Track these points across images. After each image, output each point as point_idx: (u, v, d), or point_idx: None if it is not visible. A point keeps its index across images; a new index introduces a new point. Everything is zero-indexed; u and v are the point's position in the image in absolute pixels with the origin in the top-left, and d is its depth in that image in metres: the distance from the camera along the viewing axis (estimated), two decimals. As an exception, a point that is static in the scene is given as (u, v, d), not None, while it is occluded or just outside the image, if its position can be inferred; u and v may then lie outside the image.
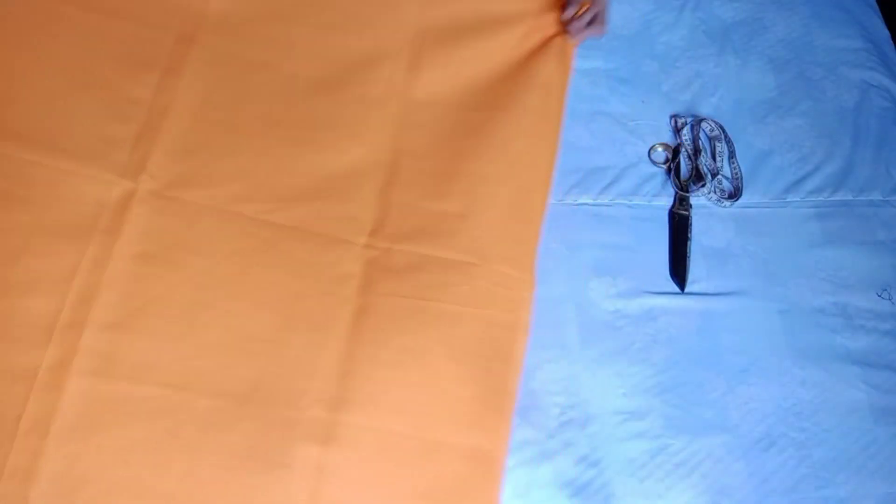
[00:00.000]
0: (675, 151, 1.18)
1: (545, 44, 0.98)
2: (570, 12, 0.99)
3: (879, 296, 1.08)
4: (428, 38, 0.96)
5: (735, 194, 1.15)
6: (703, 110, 1.22)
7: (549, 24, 0.99)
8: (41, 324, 0.74)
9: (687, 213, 1.12)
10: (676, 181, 1.15)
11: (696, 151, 1.18)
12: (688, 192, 1.14)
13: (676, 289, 1.06)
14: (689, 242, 1.10)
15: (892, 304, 1.07)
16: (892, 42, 1.34)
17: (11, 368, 0.72)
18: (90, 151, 0.82)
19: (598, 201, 1.12)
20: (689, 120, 1.20)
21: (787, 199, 1.15)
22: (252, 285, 0.81)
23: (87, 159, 0.81)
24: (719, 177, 1.15)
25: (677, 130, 1.19)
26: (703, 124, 1.20)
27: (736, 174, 1.16)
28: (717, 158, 1.17)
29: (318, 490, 0.75)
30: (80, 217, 0.79)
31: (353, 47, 0.94)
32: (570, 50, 0.99)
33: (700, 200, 1.14)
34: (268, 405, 0.77)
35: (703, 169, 1.16)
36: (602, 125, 1.19)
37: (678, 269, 1.07)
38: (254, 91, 0.90)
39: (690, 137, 1.19)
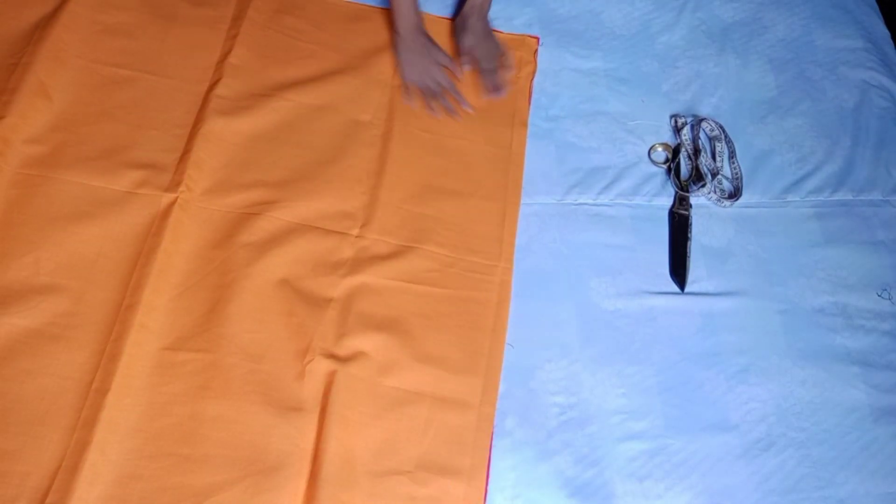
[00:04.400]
0: (675, 151, 1.18)
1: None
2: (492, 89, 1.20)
3: (879, 296, 1.08)
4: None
5: (735, 194, 1.15)
6: (703, 110, 1.23)
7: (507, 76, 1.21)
8: (111, 309, 0.94)
9: (687, 212, 1.12)
10: (676, 181, 1.15)
11: (696, 151, 1.18)
12: (688, 191, 1.14)
13: (676, 289, 1.06)
14: (689, 242, 1.10)
15: (892, 304, 1.07)
16: (892, 42, 1.34)
17: (91, 344, 0.92)
18: (145, 177, 1.03)
19: (598, 201, 1.13)
20: (689, 120, 1.20)
21: (787, 199, 1.15)
22: (263, 269, 0.99)
23: (143, 183, 1.03)
24: (719, 177, 1.15)
25: (677, 130, 1.20)
26: (703, 124, 1.20)
27: (736, 174, 1.16)
28: (717, 158, 1.17)
29: (322, 426, 0.90)
30: (138, 226, 1.00)
31: (347, 82, 1.17)
32: (528, 92, 1.20)
33: (700, 200, 1.14)
34: (278, 362, 0.94)
35: (703, 169, 1.16)
36: (602, 125, 1.19)
37: (678, 268, 1.07)
38: (265, 117, 1.11)
39: (690, 137, 1.19)
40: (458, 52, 1.21)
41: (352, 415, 0.91)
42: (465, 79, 1.20)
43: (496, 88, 1.18)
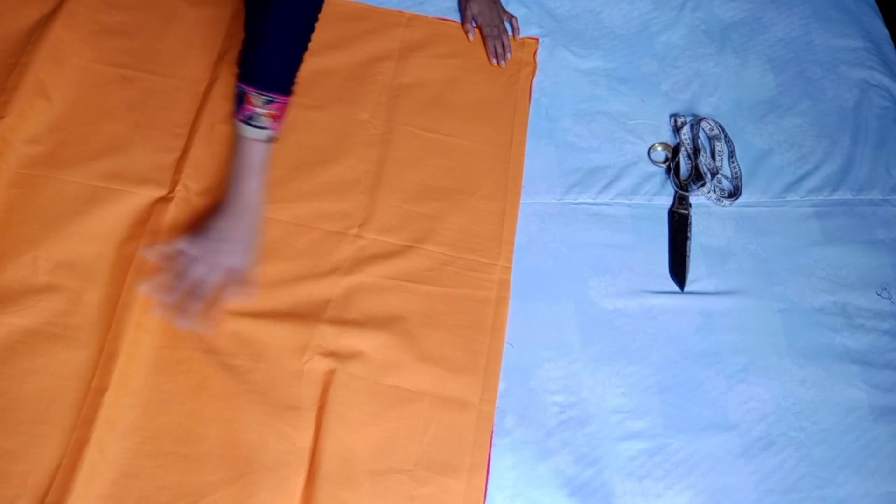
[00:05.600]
0: (675, 151, 1.18)
1: (506, 84, 1.21)
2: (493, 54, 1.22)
3: (879, 295, 1.08)
4: (408, 64, 1.20)
5: (735, 193, 1.15)
6: (703, 110, 1.23)
7: (507, 76, 1.22)
8: (109, 308, 0.94)
9: (687, 212, 1.12)
10: (676, 180, 1.15)
11: (696, 151, 1.18)
12: (687, 191, 1.14)
13: (676, 288, 1.06)
14: (688, 242, 1.10)
15: (892, 303, 1.07)
16: (892, 42, 1.34)
17: (90, 343, 0.91)
18: (144, 177, 1.04)
19: (598, 201, 1.13)
20: (688, 119, 1.20)
21: (787, 199, 1.15)
22: (261, 271, 0.98)
23: (142, 182, 1.03)
24: (719, 176, 1.15)
25: (677, 130, 1.20)
26: (703, 124, 1.20)
27: (736, 173, 1.16)
28: (717, 158, 1.17)
29: (320, 424, 0.90)
30: (137, 226, 1.00)
31: (346, 81, 1.17)
32: (528, 91, 1.21)
33: (700, 200, 1.14)
34: (276, 361, 0.94)
35: (703, 168, 1.16)
36: (602, 125, 1.19)
37: (678, 268, 1.07)
38: None
39: (690, 137, 1.19)
40: (463, 18, 1.24)
41: (351, 413, 0.91)
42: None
43: (497, 56, 1.22)
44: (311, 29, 0.94)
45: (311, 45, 1.19)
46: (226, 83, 1.12)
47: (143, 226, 0.99)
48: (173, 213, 1.00)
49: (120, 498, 0.84)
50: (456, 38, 1.24)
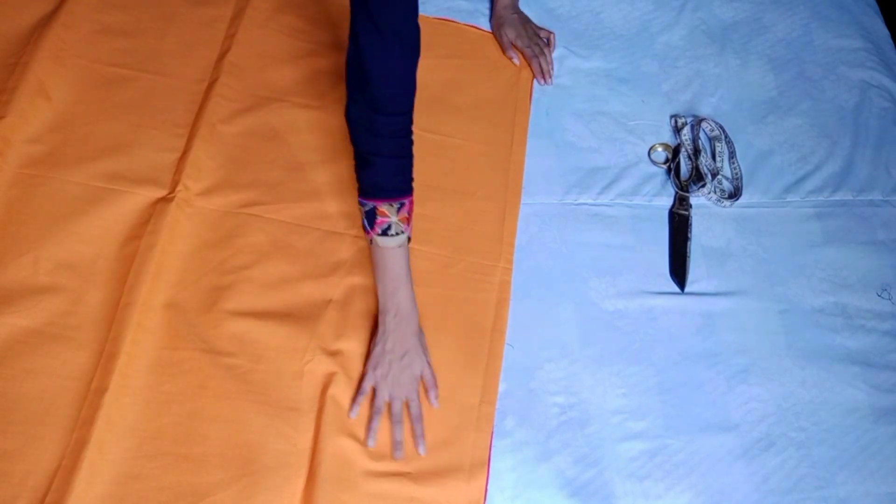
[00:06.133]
0: (675, 151, 1.18)
1: (506, 85, 1.22)
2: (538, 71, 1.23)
3: (879, 296, 1.08)
4: None
5: (735, 194, 1.15)
6: (703, 110, 1.23)
7: (507, 76, 1.23)
8: (109, 308, 0.94)
9: (687, 212, 1.12)
10: (676, 181, 1.15)
11: (696, 151, 1.18)
12: (688, 192, 1.14)
13: (676, 289, 1.06)
14: (689, 242, 1.10)
15: (892, 304, 1.07)
16: (892, 42, 1.34)
17: (90, 343, 0.92)
18: (143, 177, 1.04)
19: (598, 201, 1.12)
20: (689, 120, 1.20)
21: (787, 199, 1.15)
22: (261, 269, 1.00)
23: (142, 182, 1.03)
24: (719, 177, 1.15)
25: (677, 130, 1.19)
26: (704, 124, 1.20)
27: (736, 174, 1.16)
28: (717, 158, 1.17)
29: (320, 426, 0.90)
30: (137, 226, 1.00)
31: (344, 86, 1.15)
32: (528, 92, 1.21)
33: (700, 200, 1.14)
34: (277, 362, 0.93)
35: (703, 169, 1.16)
36: (602, 125, 1.19)
37: (678, 268, 1.07)
38: (264, 116, 1.12)
39: (690, 137, 1.19)
40: (503, 47, 1.24)
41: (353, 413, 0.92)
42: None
43: (543, 74, 1.22)
44: (411, 122, 0.91)
45: (311, 46, 1.20)
46: (226, 83, 1.12)
47: (143, 226, 0.99)
48: (175, 214, 1.00)
49: (120, 498, 0.84)
50: (456, 39, 1.24)
